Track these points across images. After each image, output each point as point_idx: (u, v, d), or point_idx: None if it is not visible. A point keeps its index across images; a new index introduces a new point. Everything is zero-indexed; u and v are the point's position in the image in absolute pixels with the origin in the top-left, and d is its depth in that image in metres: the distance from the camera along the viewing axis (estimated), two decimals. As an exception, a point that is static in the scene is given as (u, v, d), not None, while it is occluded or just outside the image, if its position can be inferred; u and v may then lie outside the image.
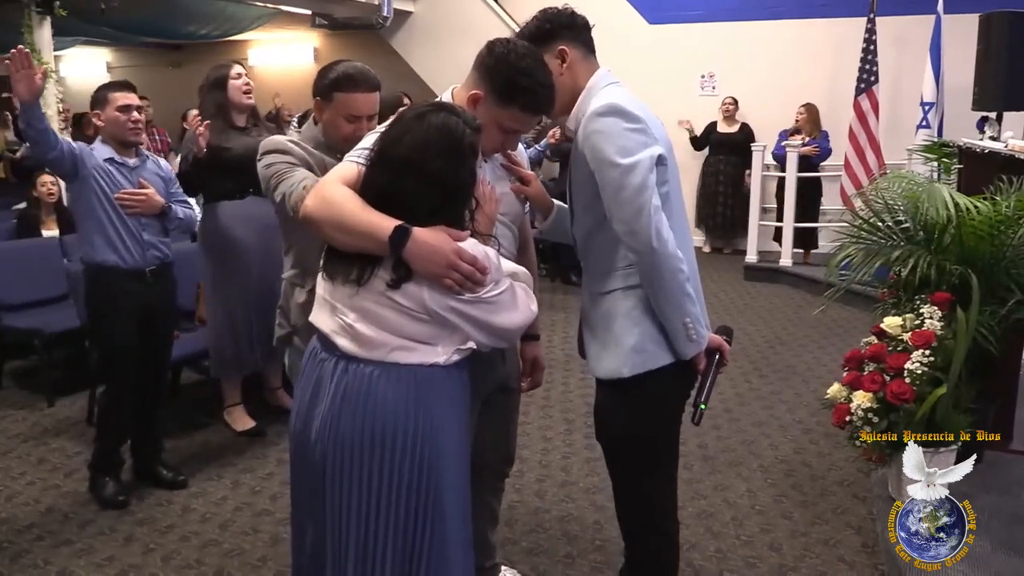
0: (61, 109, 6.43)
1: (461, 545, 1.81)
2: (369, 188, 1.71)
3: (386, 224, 1.65)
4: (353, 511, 1.72)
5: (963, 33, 6.47)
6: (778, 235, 7.69)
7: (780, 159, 7.57)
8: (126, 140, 3.19)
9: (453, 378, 1.77)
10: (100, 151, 3.17)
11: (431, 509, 1.73)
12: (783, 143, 7.59)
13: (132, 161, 3.22)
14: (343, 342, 1.73)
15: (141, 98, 7.85)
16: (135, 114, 3.18)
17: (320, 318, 1.79)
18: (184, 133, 6.25)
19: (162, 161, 3.43)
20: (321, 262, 1.80)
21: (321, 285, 1.80)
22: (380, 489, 1.71)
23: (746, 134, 8.50)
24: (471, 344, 1.75)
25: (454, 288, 1.67)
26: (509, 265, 1.86)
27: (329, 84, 2.40)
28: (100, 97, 3.18)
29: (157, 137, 7.12)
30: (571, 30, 1.96)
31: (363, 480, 1.71)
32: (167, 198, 3.29)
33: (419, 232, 1.65)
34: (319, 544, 1.79)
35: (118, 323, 3.20)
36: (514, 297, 1.79)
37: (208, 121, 3.58)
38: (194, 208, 3.64)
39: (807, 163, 7.53)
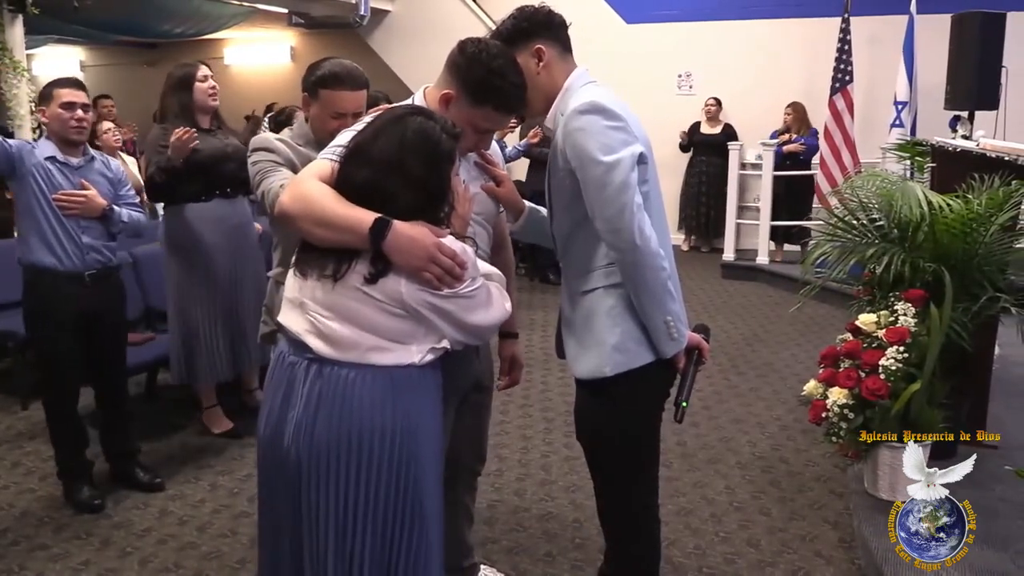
0: (34, 108, 6.33)
1: (438, 546, 1.81)
2: (346, 186, 1.70)
3: (366, 217, 1.64)
4: (331, 516, 1.71)
5: (935, 33, 6.57)
6: (773, 233, 7.66)
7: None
8: (68, 138, 3.06)
9: (428, 379, 1.76)
10: (43, 149, 3.04)
11: (411, 512, 1.73)
12: (761, 143, 7.65)
13: (76, 160, 3.09)
14: (315, 342, 1.70)
15: (105, 97, 7.69)
16: (79, 112, 3.04)
17: (289, 318, 1.76)
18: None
19: (113, 161, 3.29)
20: (292, 260, 1.79)
21: (291, 285, 1.77)
22: (359, 493, 1.70)
23: (728, 135, 8.52)
24: (445, 343, 1.74)
25: (433, 282, 1.67)
26: (483, 266, 1.85)
27: (316, 81, 2.45)
28: (46, 93, 3.06)
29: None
30: (548, 29, 1.95)
31: (341, 484, 1.69)
32: (114, 200, 3.16)
33: (400, 225, 1.65)
34: (296, 551, 1.77)
35: (54, 329, 3.08)
36: (488, 295, 1.79)
37: (192, 130, 3.44)
38: (147, 212, 3.50)
39: (798, 161, 7.59)
